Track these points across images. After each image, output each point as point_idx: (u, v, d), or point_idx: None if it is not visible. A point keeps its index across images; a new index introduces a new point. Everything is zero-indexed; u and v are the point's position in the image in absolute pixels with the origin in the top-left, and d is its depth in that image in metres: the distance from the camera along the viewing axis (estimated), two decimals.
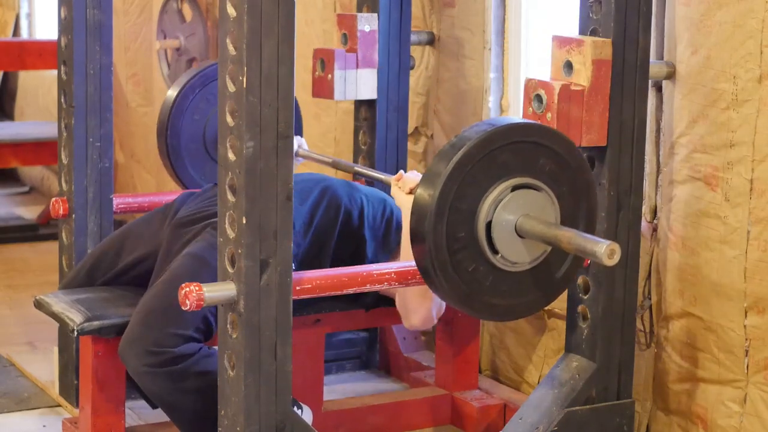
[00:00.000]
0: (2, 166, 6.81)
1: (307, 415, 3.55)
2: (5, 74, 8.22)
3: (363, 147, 4.33)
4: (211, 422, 3.21)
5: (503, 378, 4.23)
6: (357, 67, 4.16)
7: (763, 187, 3.23)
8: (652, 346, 3.66)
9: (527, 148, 2.98)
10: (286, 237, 2.91)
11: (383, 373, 4.40)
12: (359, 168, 3.97)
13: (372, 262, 3.60)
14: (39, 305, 3.66)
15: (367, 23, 4.16)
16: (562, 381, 3.40)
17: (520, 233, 2.97)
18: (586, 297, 3.40)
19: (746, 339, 3.32)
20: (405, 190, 3.52)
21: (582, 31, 3.30)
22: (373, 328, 4.38)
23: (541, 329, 4.07)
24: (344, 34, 4.19)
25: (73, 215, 3.98)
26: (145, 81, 6.30)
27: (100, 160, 4.00)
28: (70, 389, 4.03)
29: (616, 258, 2.83)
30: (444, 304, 3.55)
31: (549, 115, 3.21)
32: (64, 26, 3.96)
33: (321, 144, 4.95)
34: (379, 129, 4.28)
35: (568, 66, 3.25)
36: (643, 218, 3.51)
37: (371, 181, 4.26)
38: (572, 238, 2.90)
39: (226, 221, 2.92)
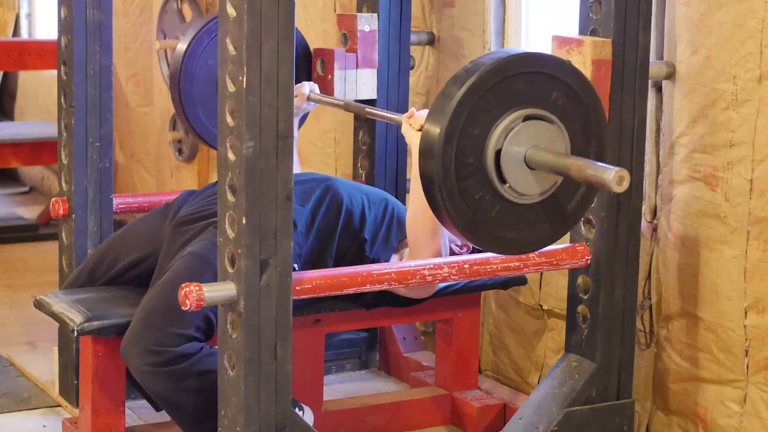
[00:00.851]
0: (2, 166, 6.80)
1: (308, 416, 3.55)
2: (5, 74, 8.22)
3: (363, 147, 4.33)
4: (212, 421, 3.21)
5: (503, 378, 4.23)
6: (357, 67, 4.16)
7: (763, 187, 3.23)
8: (652, 346, 3.66)
9: (541, 79, 2.96)
10: (286, 237, 2.91)
11: (383, 373, 4.40)
12: (370, 109, 3.92)
13: (374, 261, 3.60)
14: (39, 305, 3.66)
15: (367, 23, 4.16)
16: (562, 381, 3.40)
17: (530, 164, 2.95)
18: (586, 297, 3.40)
19: (746, 339, 3.32)
20: (416, 126, 3.45)
21: (582, 31, 3.30)
22: (373, 328, 4.38)
23: (541, 329, 4.07)
24: (344, 34, 4.19)
25: (73, 215, 3.98)
26: (145, 81, 6.30)
27: (100, 160, 4.00)
28: (70, 389, 4.03)
29: (625, 185, 2.80)
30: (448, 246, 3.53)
31: None
32: (64, 26, 3.96)
33: (321, 144, 4.95)
34: (379, 129, 4.28)
35: None
36: (643, 218, 3.51)
37: (371, 179, 4.27)
38: (582, 166, 2.87)
39: (226, 221, 2.92)
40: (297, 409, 3.44)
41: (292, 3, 2.84)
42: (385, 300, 3.66)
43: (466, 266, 3.31)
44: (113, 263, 3.73)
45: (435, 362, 4.07)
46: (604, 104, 3.23)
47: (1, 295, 5.38)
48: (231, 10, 2.83)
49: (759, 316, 3.27)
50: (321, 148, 4.94)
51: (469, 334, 3.96)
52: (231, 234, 2.90)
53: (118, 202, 4.08)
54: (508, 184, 2.96)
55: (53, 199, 4.01)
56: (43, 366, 4.36)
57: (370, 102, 4.27)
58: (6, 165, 6.63)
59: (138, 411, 3.91)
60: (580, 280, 3.41)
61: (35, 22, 8.10)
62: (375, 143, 4.29)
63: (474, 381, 4.00)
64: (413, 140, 3.40)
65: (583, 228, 3.39)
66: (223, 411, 3.02)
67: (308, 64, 4.25)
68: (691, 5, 3.39)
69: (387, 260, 3.62)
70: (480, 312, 4.01)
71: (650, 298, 3.65)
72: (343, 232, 3.62)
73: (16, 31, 8.08)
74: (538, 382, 3.72)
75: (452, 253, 3.66)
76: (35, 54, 6.46)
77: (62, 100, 4.01)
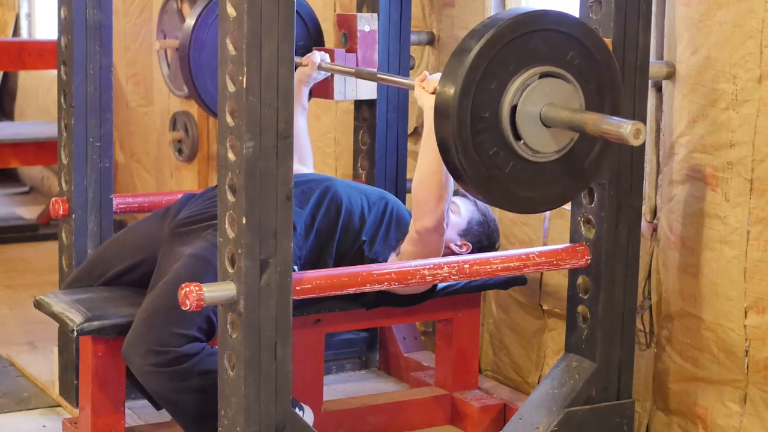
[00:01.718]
0: (2, 166, 6.81)
1: (308, 415, 3.55)
2: (5, 74, 8.22)
3: (363, 147, 4.33)
4: (214, 421, 3.21)
5: (503, 378, 4.23)
6: (357, 67, 4.16)
7: (763, 187, 3.23)
8: (652, 346, 3.66)
9: (558, 38, 2.96)
10: (286, 237, 2.91)
11: (383, 373, 4.40)
12: (381, 74, 3.91)
13: (374, 261, 3.60)
14: (39, 305, 3.66)
15: (367, 23, 4.16)
16: (562, 381, 3.40)
17: (545, 121, 2.95)
18: (586, 297, 3.40)
19: (746, 339, 3.32)
20: (429, 89, 3.44)
21: None
22: (373, 328, 4.38)
23: (541, 329, 4.07)
24: (344, 34, 4.18)
25: (73, 215, 3.98)
26: (145, 81, 6.30)
27: (100, 160, 4.00)
28: (70, 389, 4.03)
29: (642, 138, 2.80)
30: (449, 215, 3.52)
31: None
32: (64, 26, 3.96)
33: (321, 144, 4.95)
34: (379, 129, 4.28)
35: None
36: (643, 218, 3.51)
37: (371, 179, 4.27)
38: (598, 120, 2.87)
39: (226, 221, 2.92)
40: (297, 409, 3.44)
41: (292, 3, 2.84)
42: (385, 300, 3.66)
43: (466, 266, 3.31)
44: (112, 264, 3.73)
45: (435, 362, 4.07)
46: None
47: (1, 295, 5.38)
48: (231, 10, 2.83)
49: (759, 316, 3.27)
50: (321, 148, 4.94)
51: (469, 334, 3.96)
52: (231, 234, 2.90)
53: (118, 202, 4.08)
54: (522, 141, 2.96)
55: (53, 199, 4.01)
56: (43, 366, 4.36)
57: (370, 102, 4.27)
58: (6, 165, 6.63)
59: (138, 411, 3.91)
60: (580, 280, 3.41)
61: (35, 22, 8.10)
62: (375, 143, 4.29)
63: (474, 381, 4.00)
64: (426, 102, 3.38)
65: (583, 228, 3.39)
66: (223, 411, 3.02)
67: (319, 38, 4.25)
68: (691, 5, 3.39)
69: (386, 260, 3.62)
70: (480, 312, 4.01)
71: (650, 298, 3.65)
72: (342, 233, 3.62)
73: (16, 31, 8.08)
74: (538, 382, 3.72)
75: (452, 253, 3.66)
76: (35, 54, 6.47)
77: (62, 100, 4.01)
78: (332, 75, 4.10)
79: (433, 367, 4.10)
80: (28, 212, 6.95)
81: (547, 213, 3.95)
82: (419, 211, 3.43)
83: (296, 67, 3.99)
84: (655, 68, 3.44)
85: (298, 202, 3.54)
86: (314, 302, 3.57)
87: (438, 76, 3.34)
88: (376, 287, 3.24)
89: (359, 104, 4.33)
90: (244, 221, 2.86)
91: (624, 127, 2.79)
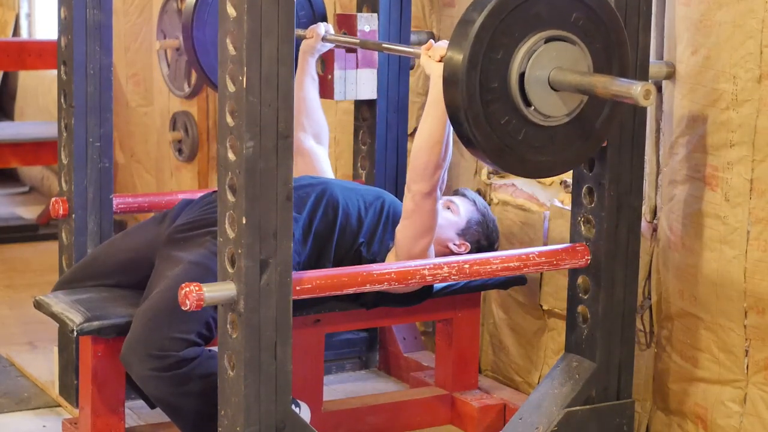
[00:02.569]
0: (2, 166, 6.81)
1: (304, 412, 3.55)
2: (5, 74, 8.22)
3: (363, 147, 4.33)
4: (214, 423, 3.21)
5: (503, 378, 4.23)
6: (357, 67, 4.16)
7: (763, 187, 3.23)
8: (652, 346, 3.66)
9: (560, 1, 2.97)
10: (286, 237, 2.91)
11: (383, 373, 4.40)
12: (387, 45, 3.90)
13: (372, 261, 3.60)
14: (39, 305, 3.66)
15: (367, 23, 4.16)
16: (562, 381, 3.40)
17: (554, 85, 2.96)
18: (586, 297, 3.40)
19: (746, 339, 3.32)
20: (435, 57, 3.43)
21: None
22: (373, 328, 4.38)
23: (541, 329, 4.07)
24: (344, 34, 4.18)
25: (73, 215, 3.98)
26: (145, 81, 6.30)
27: (100, 160, 4.00)
28: (70, 389, 4.03)
29: (652, 99, 2.81)
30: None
31: None
32: (64, 26, 3.96)
33: None
34: (379, 129, 4.28)
35: None
36: (643, 218, 3.51)
37: (371, 179, 4.27)
38: (607, 82, 2.88)
39: (226, 221, 2.92)
40: (293, 406, 3.43)
41: (292, 3, 2.84)
42: (385, 300, 3.66)
43: (466, 266, 3.31)
44: (106, 267, 3.73)
45: (435, 362, 4.07)
46: None
47: (1, 295, 5.38)
48: (231, 10, 2.83)
49: (759, 316, 3.27)
50: None
51: (469, 334, 3.96)
52: (231, 234, 2.90)
53: (118, 202, 4.08)
54: (533, 107, 2.97)
55: (53, 199, 4.01)
56: (43, 366, 4.36)
57: (370, 102, 4.27)
58: (6, 165, 6.63)
59: (138, 411, 3.91)
60: (580, 280, 3.41)
61: (35, 22, 8.10)
62: (375, 143, 4.29)
63: (474, 381, 4.00)
64: (434, 71, 3.37)
65: (583, 228, 3.39)
66: (223, 411, 3.02)
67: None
68: (691, 5, 3.39)
69: (383, 260, 3.62)
70: (480, 312, 4.01)
71: (650, 298, 3.64)
72: (340, 235, 3.62)
73: (16, 31, 8.08)
74: (538, 382, 3.72)
75: (451, 252, 3.66)
76: (35, 54, 6.46)
77: (62, 100, 4.01)
78: (333, 75, 4.10)
79: (433, 367, 4.10)
80: (28, 212, 6.95)
81: (547, 213, 3.95)
82: (416, 175, 3.40)
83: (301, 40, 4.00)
84: (655, 68, 3.44)
85: (295, 207, 3.54)
86: (314, 302, 3.57)
87: (444, 43, 3.35)
88: (376, 287, 3.24)
89: (359, 104, 4.33)
90: (244, 221, 2.86)
91: (634, 88, 2.80)
